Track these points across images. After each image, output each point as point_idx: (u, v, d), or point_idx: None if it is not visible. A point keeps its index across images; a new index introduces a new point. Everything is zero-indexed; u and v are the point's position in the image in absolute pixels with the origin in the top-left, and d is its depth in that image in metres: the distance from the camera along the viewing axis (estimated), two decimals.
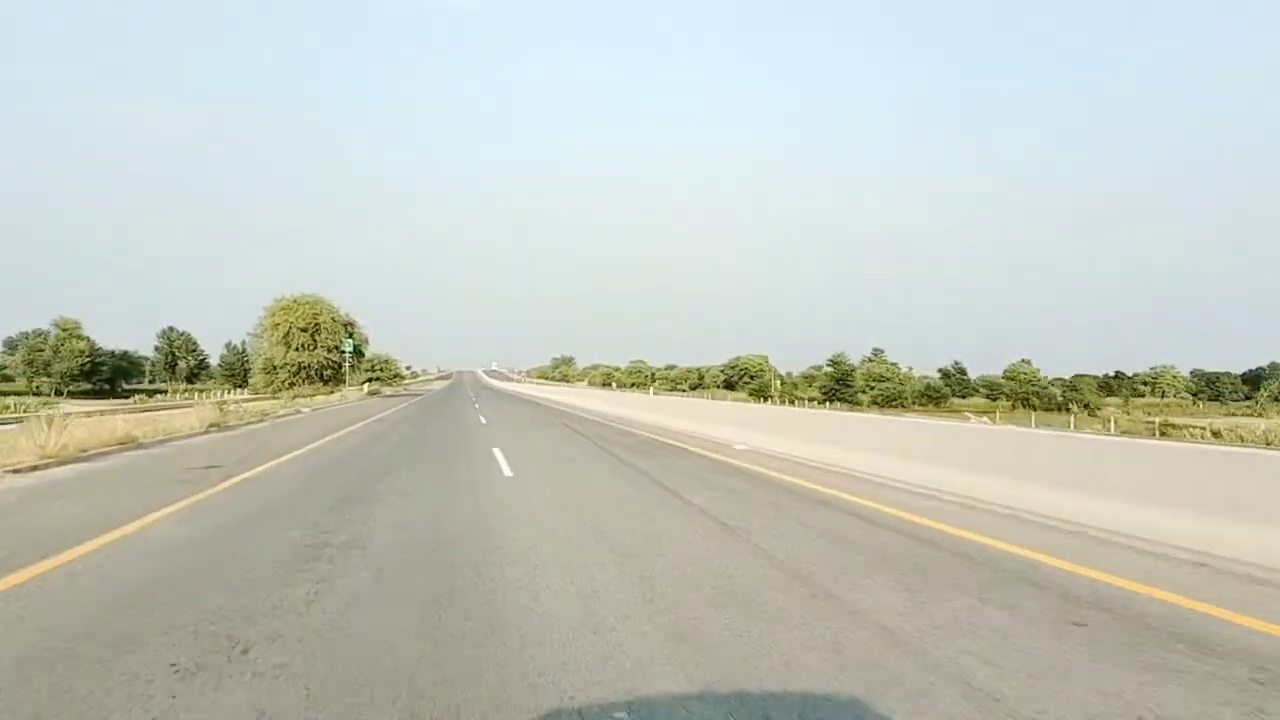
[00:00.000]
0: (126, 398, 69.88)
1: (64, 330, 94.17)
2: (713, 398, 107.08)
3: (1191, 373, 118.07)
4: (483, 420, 20.98)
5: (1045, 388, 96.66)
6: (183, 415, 18.18)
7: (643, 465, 10.68)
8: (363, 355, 47.08)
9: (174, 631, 3.39)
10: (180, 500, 7.00)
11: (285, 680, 2.86)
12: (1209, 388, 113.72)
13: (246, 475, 9.05)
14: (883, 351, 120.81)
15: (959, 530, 5.85)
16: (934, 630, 3.49)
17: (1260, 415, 73.33)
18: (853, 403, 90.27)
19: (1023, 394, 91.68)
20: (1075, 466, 6.49)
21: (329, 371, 42.35)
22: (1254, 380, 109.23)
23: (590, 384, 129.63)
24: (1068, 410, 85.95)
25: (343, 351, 42.90)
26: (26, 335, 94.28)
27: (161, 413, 20.58)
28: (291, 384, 41.30)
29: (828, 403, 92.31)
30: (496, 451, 12.05)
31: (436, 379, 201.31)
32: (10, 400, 38.75)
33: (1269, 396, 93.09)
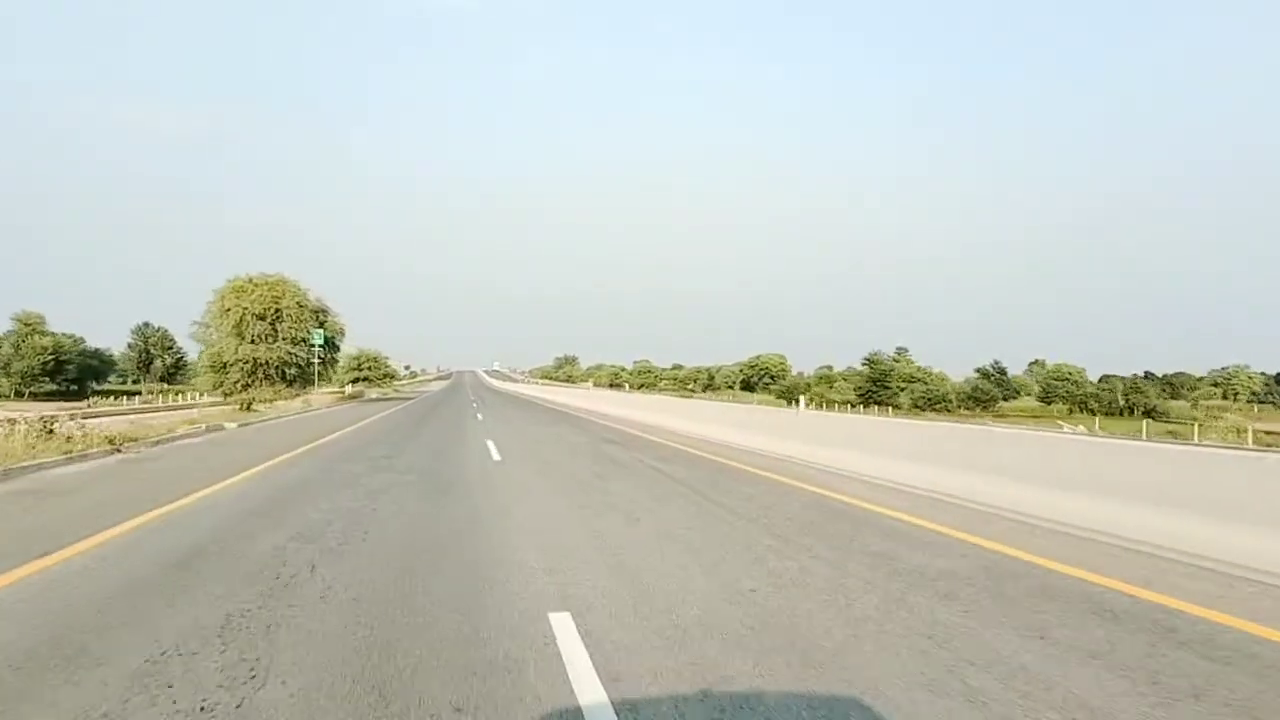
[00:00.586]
0: (83, 400, 61.61)
1: (25, 325, 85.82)
2: (732, 399, 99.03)
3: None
4: (496, 457, 12.53)
5: (1097, 389, 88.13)
6: None
7: None
8: (338, 349, 38.56)
9: None
10: None
11: None
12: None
13: None
14: (907, 350, 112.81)
15: None
16: None
17: None
18: (892, 405, 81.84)
19: (1080, 397, 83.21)
20: None
21: (293, 370, 34.04)
22: None
23: (596, 384, 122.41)
24: (1130, 414, 77.51)
25: (311, 345, 34.53)
26: None
27: None
28: (246, 385, 33.02)
29: (864, 406, 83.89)
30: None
31: (435, 379, 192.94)
32: None
33: None
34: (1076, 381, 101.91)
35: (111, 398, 54.90)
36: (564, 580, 4.49)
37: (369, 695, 2.80)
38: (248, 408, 33.41)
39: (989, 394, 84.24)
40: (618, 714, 2.65)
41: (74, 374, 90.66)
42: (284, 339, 33.22)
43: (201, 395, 42.19)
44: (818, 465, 10.59)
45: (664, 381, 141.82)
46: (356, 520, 6.35)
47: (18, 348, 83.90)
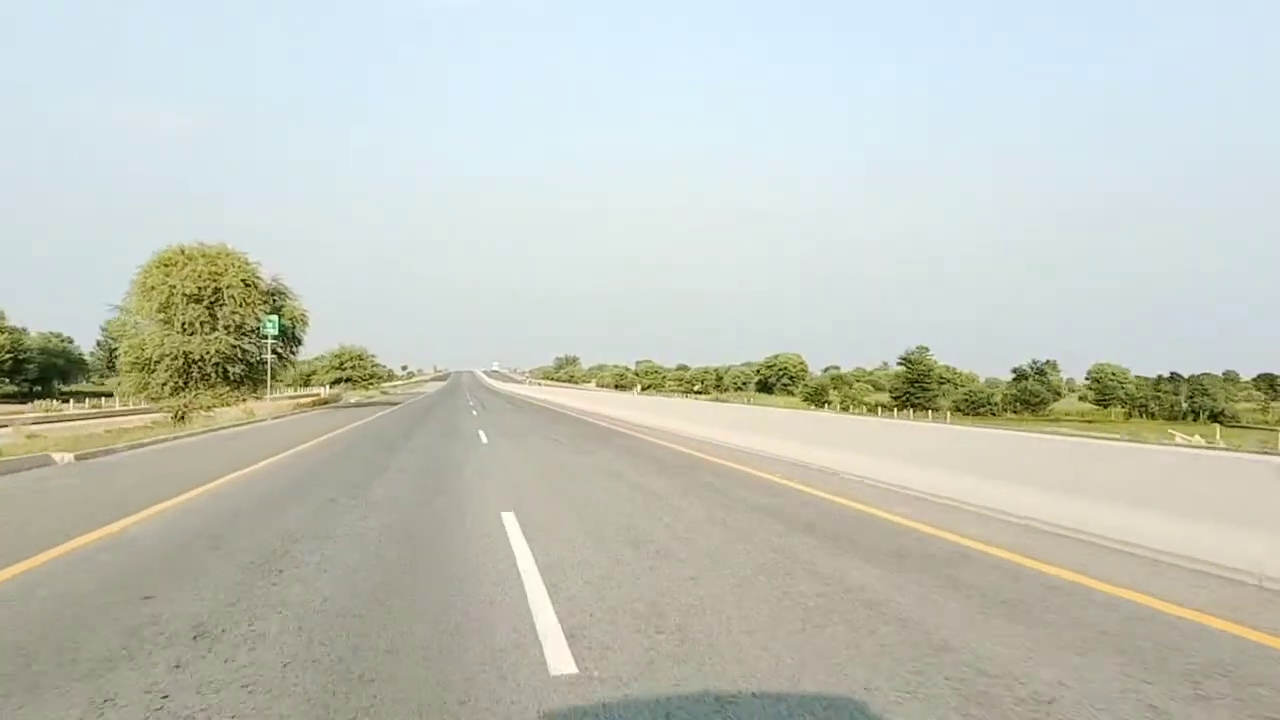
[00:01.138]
0: (39, 400, 53.92)
1: None
2: (749, 401, 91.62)
3: None
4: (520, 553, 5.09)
5: (1157, 391, 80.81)
6: None
7: None
8: (299, 342, 30.77)
9: None
10: None
11: None
12: None
13: None
14: (928, 350, 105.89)
15: None
16: None
17: None
18: (930, 408, 74.42)
19: (1139, 400, 75.79)
20: None
21: (240, 368, 26.44)
22: None
23: (599, 385, 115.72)
24: (1195, 419, 70.21)
25: (263, 336, 26.93)
26: None
27: None
28: (177, 388, 25.43)
29: (900, 409, 76.51)
30: None
31: (432, 379, 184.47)
32: None
33: None
34: (1121, 382, 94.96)
35: (45, 403, 47.29)
36: None
37: None
38: (181, 418, 26.01)
39: (1039, 396, 76.63)
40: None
41: (34, 374, 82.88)
42: (225, 327, 25.57)
43: (126, 401, 34.46)
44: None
45: (670, 382, 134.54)
46: None
47: None
